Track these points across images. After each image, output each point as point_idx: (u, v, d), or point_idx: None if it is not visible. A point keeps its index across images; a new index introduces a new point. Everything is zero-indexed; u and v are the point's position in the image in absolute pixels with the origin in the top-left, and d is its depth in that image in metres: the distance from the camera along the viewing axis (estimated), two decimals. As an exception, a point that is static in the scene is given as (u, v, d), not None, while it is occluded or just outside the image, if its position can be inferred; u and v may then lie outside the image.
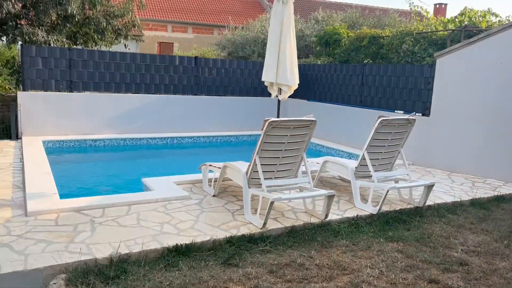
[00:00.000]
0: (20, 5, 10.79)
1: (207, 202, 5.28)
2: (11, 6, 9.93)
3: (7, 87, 11.54)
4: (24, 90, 9.31)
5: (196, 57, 11.28)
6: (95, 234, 4.06)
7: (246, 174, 4.86)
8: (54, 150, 8.78)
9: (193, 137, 10.53)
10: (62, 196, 5.12)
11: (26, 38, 10.40)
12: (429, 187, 5.41)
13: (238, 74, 11.77)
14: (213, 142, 10.77)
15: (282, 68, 5.92)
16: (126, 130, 10.12)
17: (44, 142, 8.62)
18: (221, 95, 11.55)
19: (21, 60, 9.46)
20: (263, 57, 15.20)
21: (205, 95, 11.34)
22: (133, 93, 10.43)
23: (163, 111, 10.61)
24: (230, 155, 10.15)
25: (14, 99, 9.59)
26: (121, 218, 4.54)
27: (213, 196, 5.52)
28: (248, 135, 11.16)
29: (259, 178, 4.75)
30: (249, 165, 4.83)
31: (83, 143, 9.30)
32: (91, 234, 4.07)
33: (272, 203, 4.31)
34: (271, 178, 4.91)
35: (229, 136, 10.99)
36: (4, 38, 11.58)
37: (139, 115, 10.32)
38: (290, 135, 4.73)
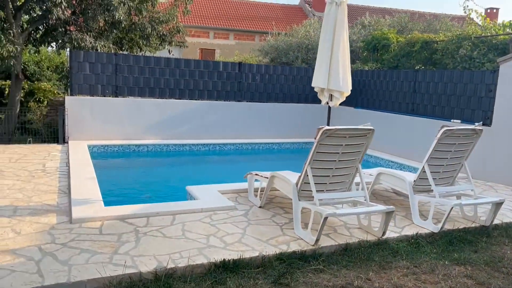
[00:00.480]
0: (70, 11, 11.03)
1: (254, 214, 5.01)
2: (61, 12, 10.14)
3: (55, 92, 11.83)
4: (71, 94, 9.45)
5: (240, 63, 11.12)
6: (139, 245, 3.88)
7: (296, 186, 4.56)
8: (99, 154, 8.82)
9: (235, 144, 10.34)
10: (106, 201, 5.02)
11: (75, 44, 10.60)
12: (497, 205, 4.91)
13: (282, 80, 11.51)
14: (255, 149, 10.53)
15: (334, 73, 5.57)
16: (169, 135, 10.07)
17: (89, 146, 8.68)
18: (264, 102, 11.32)
19: (69, 65, 9.60)
20: (307, 63, 15.03)
21: (248, 101, 11.15)
22: (176, 98, 10.38)
23: (206, 117, 10.49)
24: (272, 163, 9.88)
25: (62, 103, 9.75)
26: (165, 228, 4.35)
27: (259, 207, 5.25)
28: (291, 142, 10.87)
29: (310, 191, 4.45)
30: (300, 176, 4.53)
31: (127, 148, 9.30)
32: (135, 245, 3.89)
33: (325, 218, 3.99)
34: (323, 190, 4.58)
35: (272, 143, 10.72)
36: (53, 44, 11.87)
37: (182, 121, 10.25)
38: (345, 144, 4.39)
